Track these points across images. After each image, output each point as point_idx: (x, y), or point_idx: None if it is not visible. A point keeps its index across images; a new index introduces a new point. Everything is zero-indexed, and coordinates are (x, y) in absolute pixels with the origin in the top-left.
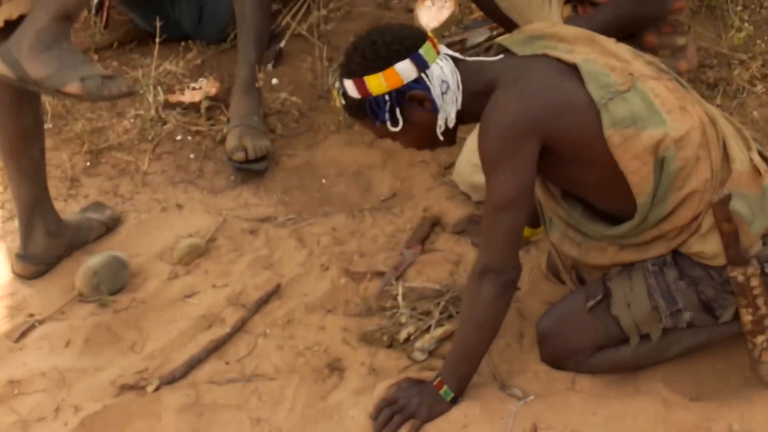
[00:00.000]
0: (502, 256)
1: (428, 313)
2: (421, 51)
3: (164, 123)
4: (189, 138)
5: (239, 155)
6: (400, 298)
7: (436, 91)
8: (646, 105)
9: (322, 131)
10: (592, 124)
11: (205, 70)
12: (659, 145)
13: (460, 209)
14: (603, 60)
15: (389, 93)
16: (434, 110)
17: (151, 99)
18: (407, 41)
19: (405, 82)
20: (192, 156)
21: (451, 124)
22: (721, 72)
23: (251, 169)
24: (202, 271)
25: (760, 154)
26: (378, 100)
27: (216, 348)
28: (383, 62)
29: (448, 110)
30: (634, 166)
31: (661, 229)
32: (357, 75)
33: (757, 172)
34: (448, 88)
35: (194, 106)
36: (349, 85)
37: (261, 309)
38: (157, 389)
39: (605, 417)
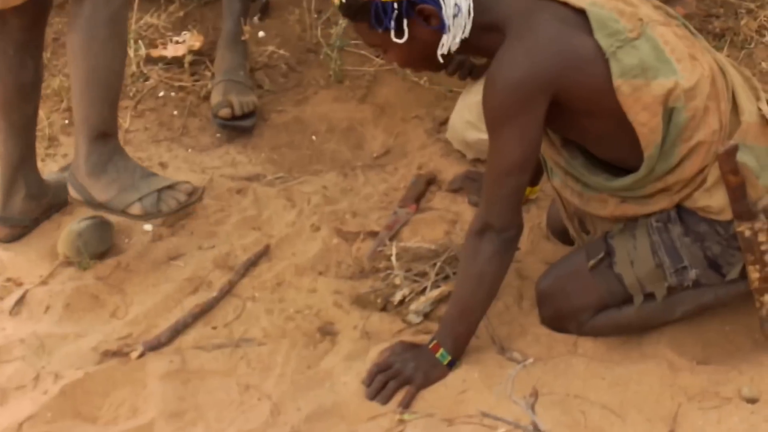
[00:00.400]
0: (505, 214)
1: (424, 275)
2: None
3: (146, 79)
4: (172, 94)
5: (225, 112)
6: (394, 258)
7: (447, 12)
8: (656, 53)
9: (311, 86)
10: (601, 75)
11: (188, 23)
12: (669, 96)
13: (456, 166)
14: (611, 3)
15: (400, 1)
16: (441, 29)
17: (132, 53)
18: None
19: None
20: (175, 113)
21: (453, 48)
22: (728, 21)
23: (238, 126)
24: (187, 232)
25: None
26: (386, 6)
27: (202, 312)
28: None
29: (454, 33)
30: (643, 117)
31: (666, 182)
32: None
33: (766, 123)
34: (459, 11)
35: (177, 61)
36: None
37: (249, 271)
38: (141, 356)
39: (609, 381)
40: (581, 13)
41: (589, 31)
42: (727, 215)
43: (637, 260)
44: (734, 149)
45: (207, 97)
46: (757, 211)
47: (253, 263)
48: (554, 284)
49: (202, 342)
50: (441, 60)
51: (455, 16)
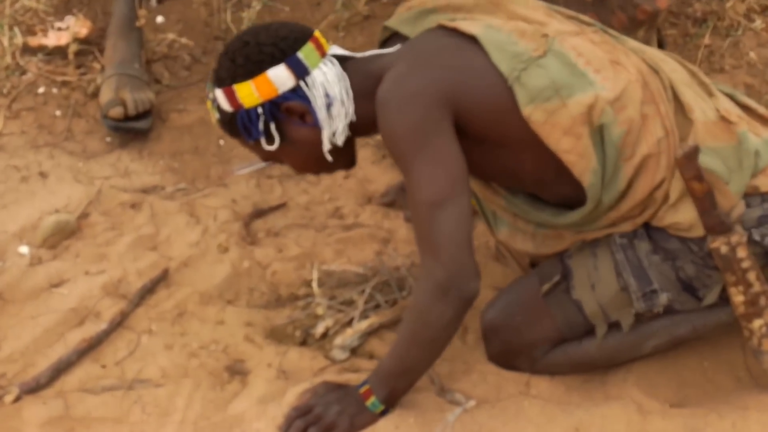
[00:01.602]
0: (457, 263)
1: (350, 303)
2: (300, 54)
3: (23, 72)
4: (54, 90)
5: (116, 111)
6: (315, 284)
7: (317, 103)
8: (567, 68)
9: None
10: (506, 102)
11: (72, 6)
12: (592, 112)
13: (390, 174)
14: (509, 26)
15: (263, 105)
16: (317, 125)
17: (6, 42)
18: (284, 42)
19: (280, 91)
20: (58, 113)
21: (339, 141)
22: (711, 4)
23: (132, 129)
24: (72, 254)
25: (732, 98)
26: (250, 113)
27: (90, 348)
28: (254, 68)
29: (334, 125)
30: (566, 143)
31: (621, 210)
32: (226, 83)
33: (725, 120)
34: (332, 99)
35: (60, 51)
36: (220, 96)
37: (145, 300)
38: (17, 400)
39: (567, 428)
40: (473, 39)
41: (486, 55)
42: (699, 231)
43: (599, 283)
44: (694, 151)
45: (95, 94)
46: (730, 222)
47: (149, 290)
48: (503, 314)
49: (89, 383)
50: (331, 158)
51: (329, 106)
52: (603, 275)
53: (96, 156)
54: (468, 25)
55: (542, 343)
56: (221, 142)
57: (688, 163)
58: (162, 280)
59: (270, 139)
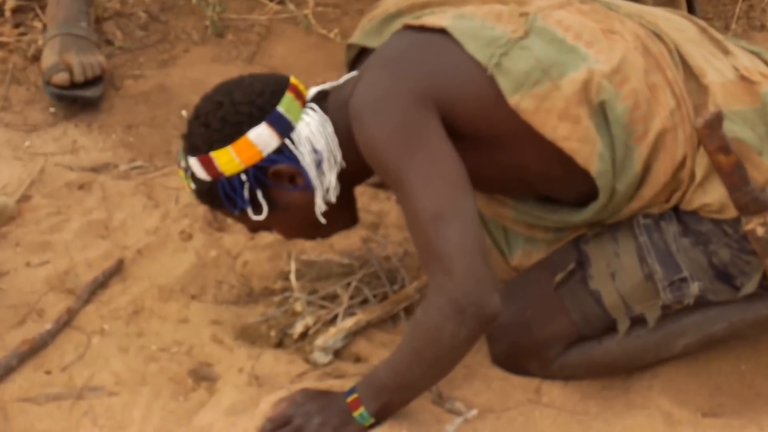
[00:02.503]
0: (473, 275)
1: (333, 298)
2: (281, 108)
3: None
4: None
5: (61, 77)
6: (293, 276)
7: (306, 161)
8: (554, 45)
9: (180, 42)
10: (490, 94)
11: None
12: (587, 89)
13: None
14: (483, 11)
15: (246, 171)
16: (309, 187)
17: None
18: (261, 98)
19: (264, 154)
20: None
21: (333, 197)
22: None
23: (79, 98)
24: (11, 243)
25: (758, 56)
26: (232, 182)
27: (32, 352)
28: (232, 131)
29: (326, 182)
30: (564, 129)
31: (643, 198)
32: (202, 151)
33: (746, 80)
34: (320, 155)
35: None
36: (195, 165)
37: (96, 295)
38: None
39: None
40: (443, 33)
41: (460, 48)
42: (732, 211)
43: (620, 271)
44: (717, 118)
45: (36, 58)
46: (766, 199)
47: (101, 284)
48: (510, 309)
49: (32, 392)
50: (327, 219)
51: (318, 164)
52: (625, 262)
53: (38, 129)
54: (435, 19)
55: (555, 342)
56: (183, 112)
57: (711, 132)
58: (116, 272)
59: (257, 209)
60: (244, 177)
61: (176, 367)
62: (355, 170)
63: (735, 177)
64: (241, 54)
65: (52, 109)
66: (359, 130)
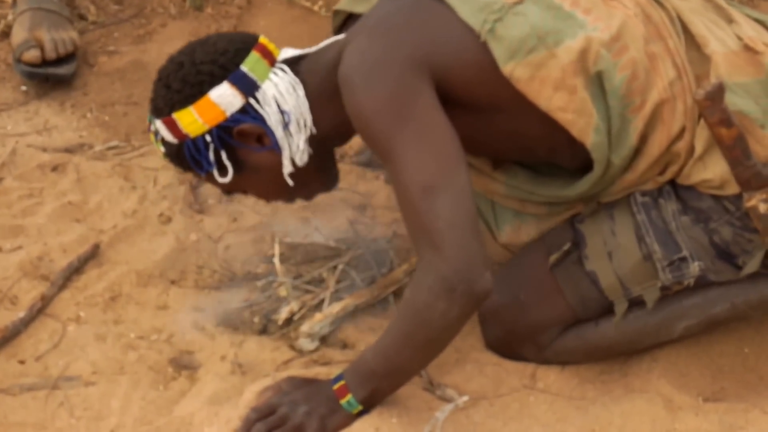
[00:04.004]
0: (464, 252)
1: (319, 282)
2: (245, 67)
3: None
4: None
5: (32, 54)
6: (277, 260)
7: (272, 121)
8: (551, 11)
9: (157, 16)
10: (483, 61)
11: None
12: (584, 58)
13: None
14: None
15: (210, 132)
16: (276, 148)
17: None
18: (224, 57)
19: (228, 114)
20: None
21: (300, 160)
22: None
23: (51, 75)
24: None
25: (764, 25)
26: (197, 143)
27: (5, 341)
28: (193, 91)
29: (294, 144)
30: (559, 100)
31: (637, 170)
32: (165, 113)
33: (750, 50)
34: (288, 116)
35: None
36: (161, 128)
37: (71, 281)
38: None
39: (580, 428)
40: None
41: (453, 12)
42: (734, 187)
43: (617, 251)
44: (718, 90)
45: (6, 34)
46: None
47: (76, 270)
48: (503, 292)
49: (5, 382)
50: (297, 181)
51: (286, 125)
52: (622, 241)
53: (8, 109)
54: None
55: (551, 326)
56: None
57: (713, 105)
58: (91, 257)
59: (223, 170)
60: (208, 138)
61: (156, 356)
62: (331, 134)
63: (737, 151)
64: (221, 28)
65: (23, 88)
66: (348, 98)
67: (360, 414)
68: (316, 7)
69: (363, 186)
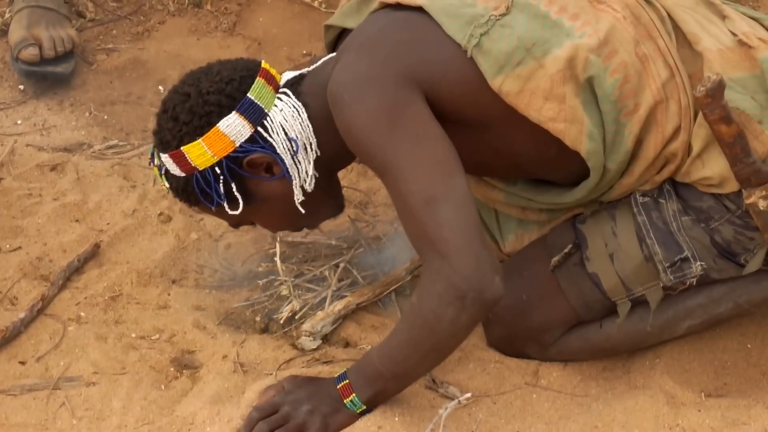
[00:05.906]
0: (471, 257)
1: (321, 281)
2: (252, 95)
3: None
4: None
5: (30, 53)
6: (278, 259)
7: (281, 149)
8: (537, 21)
9: (156, 13)
10: (471, 76)
11: None
12: (572, 66)
13: None
14: None
15: (220, 163)
16: (287, 175)
17: None
18: (230, 86)
19: (237, 144)
20: None
21: (310, 186)
22: None
23: (50, 74)
24: None
25: (758, 21)
26: (206, 175)
27: (5, 341)
28: (202, 123)
29: (303, 170)
30: (549, 110)
31: (634, 174)
32: (172, 147)
33: (744, 45)
34: (296, 144)
35: None
36: (168, 161)
37: (72, 281)
38: None
39: (583, 425)
40: (421, 11)
41: (439, 27)
42: (734, 185)
43: (619, 252)
44: (719, 86)
45: (4, 32)
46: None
47: (76, 270)
48: (505, 294)
49: (6, 383)
50: (307, 209)
51: (295, 152)
52: (623, 242)
53: (6, 108)
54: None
55: (553, 327)
56: (161, 87)
57: (713, 101)
58: (91, 257)
59: (233, 203)
60: (218, 170)
61: (157, 355)
62: (334, 157)
63: (736, 148)
64: (221, 25)
65: (21, 87)
66: (339, 114)
67: (362, 413)
68: (316, 3)
69: (364, 184)
